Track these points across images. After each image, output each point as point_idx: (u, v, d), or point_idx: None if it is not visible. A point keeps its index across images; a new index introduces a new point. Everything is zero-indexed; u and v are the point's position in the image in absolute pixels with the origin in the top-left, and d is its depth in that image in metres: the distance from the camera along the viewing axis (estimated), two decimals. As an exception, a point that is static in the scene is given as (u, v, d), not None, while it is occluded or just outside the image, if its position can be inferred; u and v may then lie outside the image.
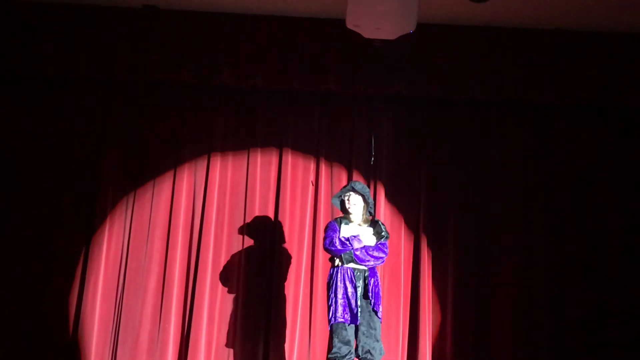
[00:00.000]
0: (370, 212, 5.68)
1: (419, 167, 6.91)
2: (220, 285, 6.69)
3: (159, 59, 6.59)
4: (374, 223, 5.67)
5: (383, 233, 5.57)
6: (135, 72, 6.63)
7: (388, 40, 5.82)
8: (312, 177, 6.92)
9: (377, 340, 5.40)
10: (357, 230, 5.56)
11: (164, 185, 6.85)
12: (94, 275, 6.59)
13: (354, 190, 5.64)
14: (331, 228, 5.60)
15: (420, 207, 6.83)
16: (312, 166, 6.95)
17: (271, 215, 6.84)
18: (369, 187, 6.77)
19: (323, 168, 6.92)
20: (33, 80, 6.86)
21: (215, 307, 6.64)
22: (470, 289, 6.70)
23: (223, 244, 6.78)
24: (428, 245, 6.77)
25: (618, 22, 6.51)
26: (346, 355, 5.35)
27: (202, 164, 6.91)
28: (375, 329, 5.40)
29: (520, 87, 6.63)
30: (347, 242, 5.46)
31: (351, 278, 5.45)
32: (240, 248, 6.77)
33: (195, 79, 6.66)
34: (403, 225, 6.83)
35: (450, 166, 6.91)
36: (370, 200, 5.68)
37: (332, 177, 6.93)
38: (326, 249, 5.62)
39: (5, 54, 6.58)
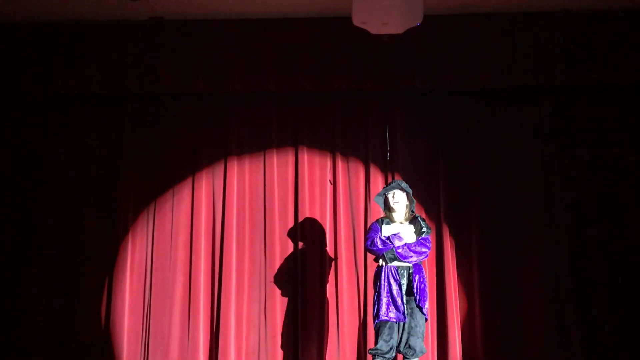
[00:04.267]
0: (412, 210, 5.70)
1: (436, 158, 6.88)
2: (245, 289, 6.72)
3: (170, 70, 6.63)
4: (414, 220, 5.67)
5: (424, 229, 5.57)
6: (147, 85, 6.68)
7: (396, 35, 5.81)
8: (329, 175, 6.92)
9: (419, 337, 5.42)
10: (398, 228, 5.57)
11: (184, 193, 6.90)
12: (120, 288, 6.67)
13: (399, 187, 5.67)
14: (373, 229, 5.64)
15: (440, 197, 6.80)
16: (329, 164, 6.95)
17: (291, 215, 6.86)
18: (387, 181, 6.81)
19: (340, 165, 6.91)
20: (46, 100, 6.96)
21: (243, 311, 6.68)
22: (496, 276, 6.67)
23: (246, 247, 6.80)
24: (450, 234, 6.75)
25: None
26: (387, 352, 5.39)
27: (219, 169, 6.95)
28: (418, 326, 5.44)
29: (533, 72, 6.54)
30: (388, 241, 5.48)
31: (395, 276, 5.46)
32: (262, 251, 6.81)
33: (206, 87, 6.68)
34: (424, 216, 6.79)
35: (468, 155, 6.87)
36: (413, 198, 5.70)
37: (350, 173, 6.92)
38: (368, 250, 5.70)
39: (18, 75, 6.68)
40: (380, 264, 5.57)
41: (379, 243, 5.50)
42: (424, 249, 5.52)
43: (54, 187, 6.84)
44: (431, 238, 5.71)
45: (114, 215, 6.81)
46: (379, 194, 5.78)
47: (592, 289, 6.59)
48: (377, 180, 6.82)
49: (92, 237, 6.77)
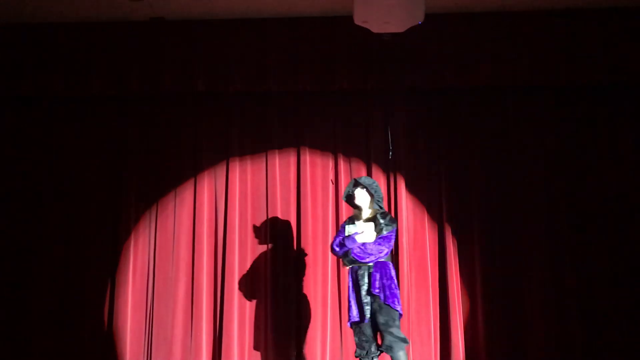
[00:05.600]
0: (378, 205, 5.59)
1: (438, 157, 6.86)
2: (248, 289, 6.70)
3: (171, 71, 6.64)
4: (385, 217, 5.53)
5: (381, 225, 5.46)
6: (148, 86, 6.69)
7: (397, 34, 5.80)
8: (331, 175, 6.92)
9: (392, 333, 5.27)
10: (360, 227, 5.46)
11: (185, 194, 6.90)
12: (123, 289, 6.66)
13: (357, 184, 5.61)
14: (340, 231, 5.64)
15: (442, 197, 6.79)
16: (331, 164, 6.95)
17: (293, 215, 6.85)
18: (388, 180, 6.79)
19: (342, 165, 6.91)
20: (48, 102, 6.96)
21: (246, 311, 6.67)
22: (499, 276, 6.64)
23: (248, 248, 6.79)
24: (453, 234, 6.72)
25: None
26: (368, 352, 5.36)
27: (221, 170, 6.94)
28: (389, 322, 5.29)
29: (535, 71, 6.54)
30: (346, 243, 5.44)
31: (356, 277, 5.43)
32: (265, 251, 6.79)
33: (207, 88, 6.68)
34: (426, 216, 6.80)
35: (470, 155, 6.85)
36: (377, 192, 5.59)
37: (352, 173, 6.90)
38: (332, 251, 5.69)
39: (19, 76, 6.69)
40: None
41: (337, 247, 5.51)
42: (381, 247, 5.42)
43: (55, 189, 6.83)
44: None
45: (116, 216, 6.81)
46: (344, 194, 5.74)
47: (596, 290, 6.56)
48: (379, 180, 6.78)
49: (95, 238, 6.76)
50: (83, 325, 6.63)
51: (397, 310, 5.35)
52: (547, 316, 6.53)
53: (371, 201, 5.58)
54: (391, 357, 5.30)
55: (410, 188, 6.83)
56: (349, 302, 5.46)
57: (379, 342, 5.41)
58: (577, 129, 6.82)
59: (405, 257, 6.64)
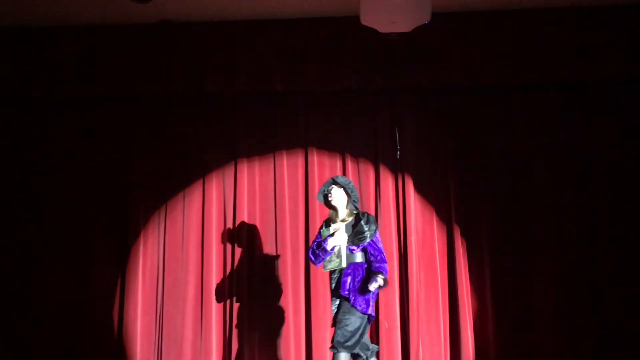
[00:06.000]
0: (354, 205, 5.50)
1: (446, 157, 6.85)
2: (258, 290, 6.71)
3: (178, 72, 6.66)
4: (364, 217, 5.39)
5: (364, 228, 5.31)
6: (156, 88, 6.71)
7: (404, 33, 5.80)
8: (339, 168, 6.91)
9: (357, 338, 5.14)
10: (334, 229, 5.34)
11: (194, 195, 6.92)
12: (132, 290, 6.69)
13: (335, 183, 5.48)
14: (316, 237, 5.47)
15: (450, 197, 6.77)
16: (339, 164, 6.94)
17: (302, 216, 6.85)
18: (396, 181, 6.79)
19: (349, 165, 6.90)
20: (57, 104, 7.00)
21: (255, 312, 6.66)
22: (508, 275, 6.63)
23: (257, 248, 6.79)
24: (462, 235, 6.71)
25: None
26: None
27: (229, 171, 6.96)
28: (356, 326, 5.15)
29: (543, 69, 6.52)
30: (317, 251, 5.32)
31: (330, 281, 5.42)
32: (274, 252, 6.79)
33: (214, 89, 6.70)
34: (435, 216, 6.80)
35: (478, 154, 6.83)
36: (354, 192, 5.49)
37: (360, 173, 6.91)
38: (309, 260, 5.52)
39: (28, 79, 6.73)
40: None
41: (311, 256, 5.37)
42: (383, 255, 5.33)
43: (64, 191, 6.87)
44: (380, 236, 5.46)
45: (125, 217, 6.84)
46: (319, 193, 5.58)
47: (605, 290, 6.53)
48: (387, 180, 6.82)
49: (104, 240, 6.80)
50: (93, 325, 6.66)
51: (366, 313, 5.21)
52: (557, 316, 6.52)
53: (348, 201, 5.47)
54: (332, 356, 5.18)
55: (418, 188, 6.82)
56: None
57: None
58: (586, 128, 6.78)
59: (414, 257, 6.63)
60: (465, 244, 6.71)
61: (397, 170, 6.84)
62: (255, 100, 6.98)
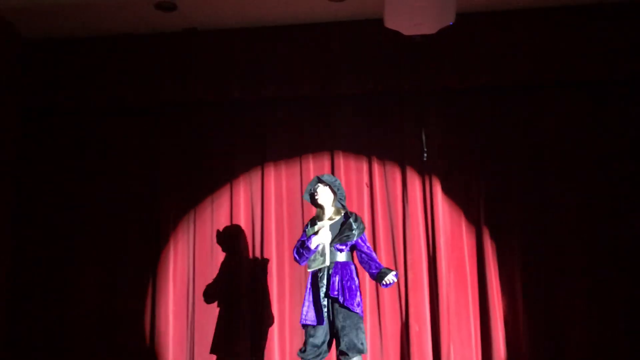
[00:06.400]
0: (341, 203, 5.50)
1: (475, 158, 6.81)
2: (287, 293, 6.73)
3: (205, 80, 6.72)
4: (351, 215, 5.41)
5: (353, 226, 5.30)
6: (183, 95, 6.79)
7: (429, 35, 5.78)
8: (365, 179, 6.90)
9: (351, 337, 5.12)
10: (318, 226, 5.34)
11: (222, 200, 6.96)
12: (163, 295, 6.74)
13: (320, 181, 5.46)
14: (302, 234, 5.48)
15: (479, 198, 6.72)
16: (365, 167, 6.93)
17: (329, 219, 6.86)
18: (424, 183, 6.76)
19: (376, 168, 6.89)
20: (87, 114, 7.09)
21: (285, 316, 6.68)
22: (539, 276, 6.56)
23: (285, 253, 6.80)
24: (491, 236, 6.66)
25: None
26: (313, 357, 5.22)
27: (256, 175, 6.99)
28: (348, 326, 5.14)
29: (574, 66, 6.47)
30: (301, 250, 5.30)
31: (315, 280, 5.33)
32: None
33: (241, 95, 6.75)
34: (463, 218, 6.75)
35: (507, 155, 6.78)
36: (340, 190, 5.47)
37: (386, 176, 6.90)
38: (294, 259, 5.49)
39: (56, 90, 6.86)
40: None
41: (296, 255, 5.35)
42: (373, 254, 5.39)
43: (96, 197, 6.95)
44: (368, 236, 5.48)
45: (155, 223, 6.89)
46: (305, 192, 5.54)
47: (638, 289, 6.44)
48: (414, 182, 6.80)
49: (134, 245, 6.85)
50: (126, 330, 6.71)
51: (356, 313, 5.19)
52: (589, 317, 6.44)
53: (334, 199, 5.46)
54: None
55: (446, 190, 6.79)
56: (303, 303, 5.31)
57: (334, 345, 5.28)
58: (619, 127, 6.67)
59: (443, 259, 6.60)
60: (494, 246, 6.65)
61: (424, 172, 6.81)
62: (281, 104, 7.00)
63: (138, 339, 6.71)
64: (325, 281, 5.26)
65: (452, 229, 6.74)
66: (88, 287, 6.79)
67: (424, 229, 6.75)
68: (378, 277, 5.28)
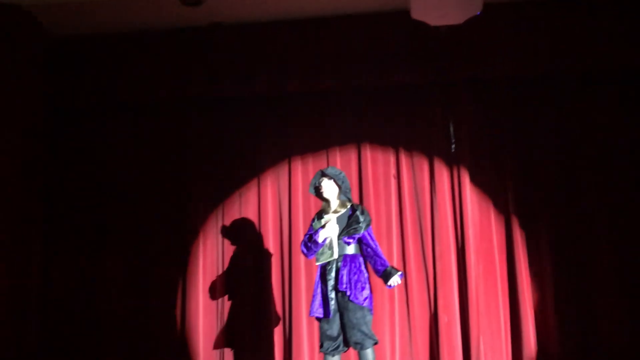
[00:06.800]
0: (346, 196, 5.48)
1: (503, 149, 6.77)
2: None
3: (231, 74, 6.75)
4: (358, 208, 5.41)
5: (359, 219, 5.30)
6: (210, 90, 6.81)
7: (455, 25, 5.75)
8: (393, 170, 6.89)
9: (361, 331, 5.15)
10: (325, 219, 5.34)
11: (250, 194, 6.99)
12: (193, 289, 6.78)
13: (324, 175, 5.44)
14: (309, 228, 5.47)
15: (508, 189, 6.69)
16: (392, 159, 6.92)
17: (357, 212, 6.86)
18: (451, 174, 6.74)
19: (403, 160, 6.87)
20: (115, 110, 7.13)
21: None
22: (569, 266, 6.51)
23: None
24: (520, 227, 6.61)
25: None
26: (331, 350, 5.25)
27: (283, 170, 7.00)
28: (356, 319, 5.16)
29: (605, 56, 6.39)
30: (309, 244, 5.31)
31: (323, 273, 5.32)
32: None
33: (267, 88, 6.77)
34: (492, 209, 6.72)
35: (536, 145, 6.73)
36: (344, 183, 5.45)
37: (414, 167, 6.87)
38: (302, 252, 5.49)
39: (87, 87, 6.90)
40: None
41: (304, 248, 5.36)
42: (378, 249, 5.39)
43: (125, 193, 7.00)
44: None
45: (185, 218, 6.93)
46: (310, 185, 5.53)
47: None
48: (442, 174, 6.77)
49: (164, 240, 6.90)
50: (157, 325, 6.76)
51: (365, 306, 5.20)
52: (621, 307, 6.37)
53: (339, 192, 5.45)
54: (359, 354, 5.19)
55: (474, 181, 6.75)
56: (314, 296, 5.31)
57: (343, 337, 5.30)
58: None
59: (472, 250, 6.56)
60: (524, 236, 6.61)
61: (452, 162, 6.78)
62: (307, 97, 7.00)
63: (169, 331, 6.75)
64: (333, 274, 5.27)
65: (481, 220, 6.71)
66: (118, 281, 6.84)
67: (452, 219, 6.72)
68: (383, 276, 5.31)
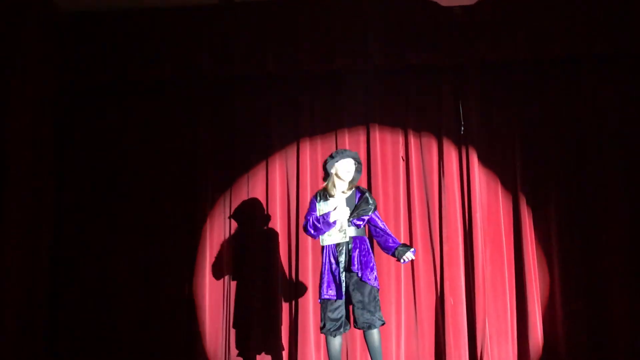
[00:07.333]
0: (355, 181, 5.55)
1: (511, 130, 6.75)
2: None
3: (241, 53, 6.69)
4: (365, 191, 5.50)
5: (370, 205, 5.37)
6: (219, 69, 6.76)
7: (467, 7, 5.71)
8: (401, 151, 6.88)
9: (370, 311, 5.23)
10: (333, 203, 5.34)
11: (258, 177, 6.97)
12: (200, 272, 6.78)
13: (354, 157, 5.49)
14: (310, 208, 5.46)
15: (516, 172, 6.67)
16: (401, 140, 6.91)
17: (365, 193, 6.85)
18: (460, 155, 6.75)
19: (412, 141, 6.85)
20: (122, 89, 7.08)
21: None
22: (577, 248, 6.50)
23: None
24: (528, 204, 6.61)
25: None
26: (334, 330, 5.29)
27: (292, 152, 6.98)
28: (367, 298, 5.24)
29: (612, 39, 6.36)
30: (318, 225, 5.30)
31: (334, 253, 5.34)
32: (338, 231, 6.78)
33: (278, 69, 6.73)
34: (500, 187, 6.72)
35: (544, 126, 6.71)
36: (360, 172, 5.56)
37: (422, 149, 6.86)
38: (305, 233, 5.48)
39: (92, 66, 6.83)
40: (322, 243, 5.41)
41: (311, 229, 5.35)
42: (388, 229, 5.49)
43: (134, 176, 6.96)
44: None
45: (193, 202, 6.90)
46: (332, 159, 5.48)
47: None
48: (451, 155, 6.76)
49: (172, 223, 6.87)
50: (167, 303, 6.76)
51: (374, 286, 5.28)
52: (630, 292, 6.36)
53: (353, 178, 5.52)
54: (366, 334, 5.27)
55: (483, 160, 6.74)
56: (323, 278, 5.32)
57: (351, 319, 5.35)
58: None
59: (480, 233, 6.57)
60: (532, 218, 6.60)
61: (460, 144, 6.77)
62: (317, 78, 6.96)
63: (177, 310, 6.75)
64: (344, 256, 5.32)
65: (489, 201, 6.71)
66: (127, 264, 6.82)
67: (460, 201, 6.72)
68: (396, 252, 5.37)
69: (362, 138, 6.97)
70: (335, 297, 5.27)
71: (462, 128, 6.73)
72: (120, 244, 6.87)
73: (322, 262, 5.39)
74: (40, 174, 6.53)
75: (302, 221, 6.63)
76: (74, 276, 6.85)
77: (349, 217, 5.34)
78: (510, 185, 6.70)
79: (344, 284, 5.27)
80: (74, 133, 7.07)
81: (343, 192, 5.46)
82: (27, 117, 6.36)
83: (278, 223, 6.86)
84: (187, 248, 6.84)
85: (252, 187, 6.97)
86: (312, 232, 5.37)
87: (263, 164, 6.99)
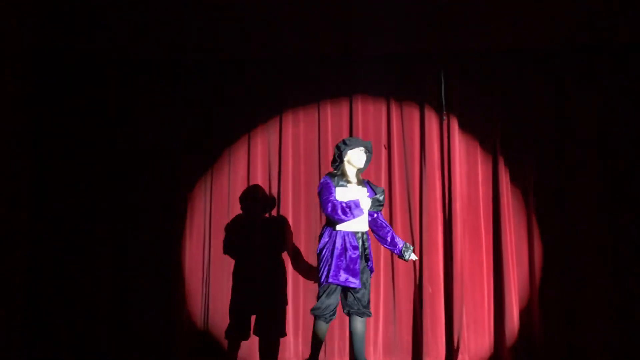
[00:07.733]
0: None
1: (493, 122, 6.76)
2: (302, 250, 6.76)
3: (225, 37, 6.60)
4: (373, 185, 5.73)
5: (382, 200, 5.64)
6: (203, 52, 6.66)
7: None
8: (383, 140, 6.87)
9: (366, 300, 5.51)
10: (355, 194, 5.43)
11: (239, 154, 6.93)
12: (180, 253, 6.79)
13: (367, 147, 5.65)
14: (326, 189, 5.43)
15: (498, 164, 6.68)
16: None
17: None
18: (442, 143, 6.71)
19: (395, 129, 6.86)
20: (101, 64, 6.90)
21: (299, 275, 6.73)
22: (558, 236, 6.54)
23: (301, 206, 6.81)
24: (510, 193, 6.66)
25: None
26: (328, 314, 5.39)
27: (274, 127, 6.94)
28: (367, 286, 5.54)
29: (596, 30, 6.32)
30: (349, 211, 5.32)
31: (352, 242, 5.40)
32: (317, 207, 6.72)
33: (260, 52, 6.65)
34: (480, 174, 6.74)
35: (526, 119, 6.71)
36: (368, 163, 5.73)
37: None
38: (328, 216, 5.41)
39: (71, 36, 6.67)
40: (336, 228, 5.43)
41: (342, 214, 5.30)
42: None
43: (111, 157, 6.87)
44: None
45: (173, 184, 6.85)
46: (346, 145, 5.55)
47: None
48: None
49: (151, 207, 6.82)
50: (145, 280, 6.75)
51: (372, 271, 5.63)
52: (608, 279, 6.43)
53: (363, 167, 5.67)
54: (356, 321, 5.48)
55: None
56: (332, 262, 5.33)
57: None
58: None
59: (459, 221, 6.59)
60: (511, 207, 6.62)
61: (442, 131, 6.77)
62: (301, 62, 6.90)
63: (155, 292, 6.76)
64: (361, 246, 5.46)
65: (469, 191, 6.72)
66: (104, 245, 6.76)
67: (440, 182, 6.75)
68: (402, 251, 5.61)
69: (345, 111, 6.93)
70: (359, 285, 5.37)
71: (444, 117, 6.67)
72: (99, 231, 6.79)
73: (326, 246, 5.42)
74: (17, 159, 6.47)
75: (283, 199, 6.66)
76: (50, 257, 6.77)
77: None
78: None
79: (362, 273, 5.44)
80: (50, 116, 6.87)
81: (360, 182, 5.61)
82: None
83: (259, 202, 6.83)
84: (167, 232, 6.80)
85: (234, 162, 6.92)
86: (343, 216, 5.32)
87: (245, 139, 6.95)
